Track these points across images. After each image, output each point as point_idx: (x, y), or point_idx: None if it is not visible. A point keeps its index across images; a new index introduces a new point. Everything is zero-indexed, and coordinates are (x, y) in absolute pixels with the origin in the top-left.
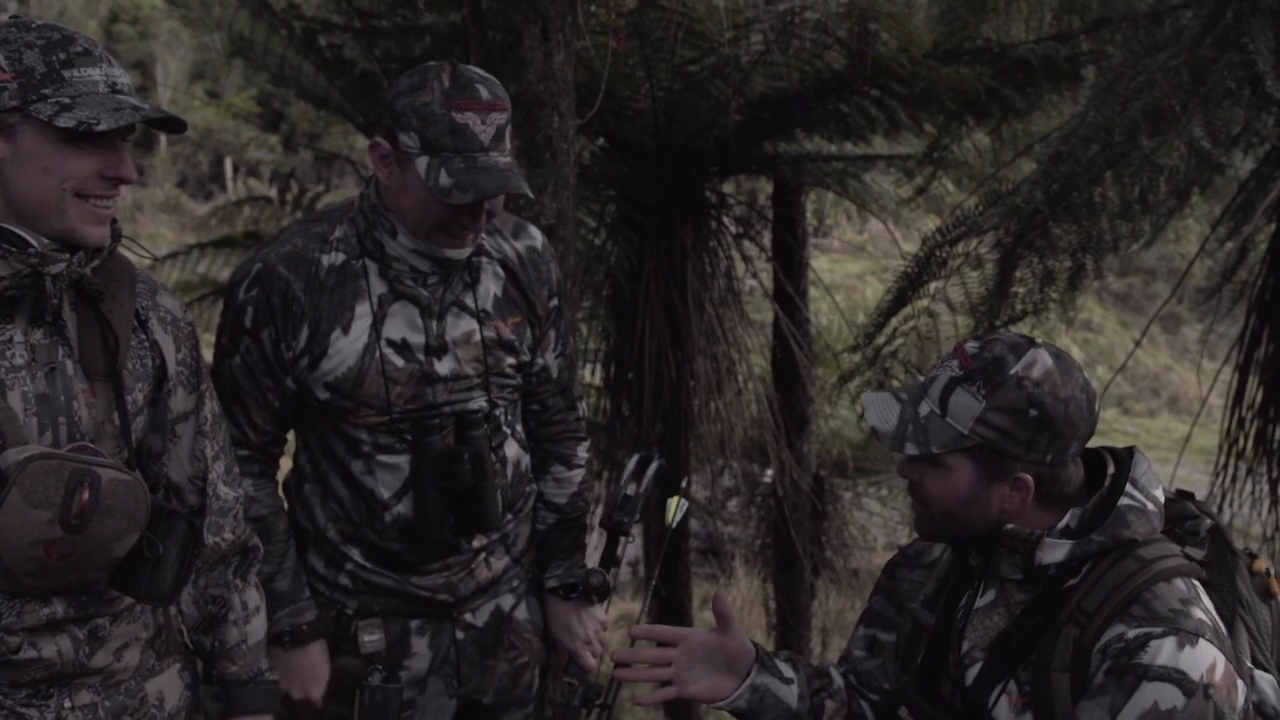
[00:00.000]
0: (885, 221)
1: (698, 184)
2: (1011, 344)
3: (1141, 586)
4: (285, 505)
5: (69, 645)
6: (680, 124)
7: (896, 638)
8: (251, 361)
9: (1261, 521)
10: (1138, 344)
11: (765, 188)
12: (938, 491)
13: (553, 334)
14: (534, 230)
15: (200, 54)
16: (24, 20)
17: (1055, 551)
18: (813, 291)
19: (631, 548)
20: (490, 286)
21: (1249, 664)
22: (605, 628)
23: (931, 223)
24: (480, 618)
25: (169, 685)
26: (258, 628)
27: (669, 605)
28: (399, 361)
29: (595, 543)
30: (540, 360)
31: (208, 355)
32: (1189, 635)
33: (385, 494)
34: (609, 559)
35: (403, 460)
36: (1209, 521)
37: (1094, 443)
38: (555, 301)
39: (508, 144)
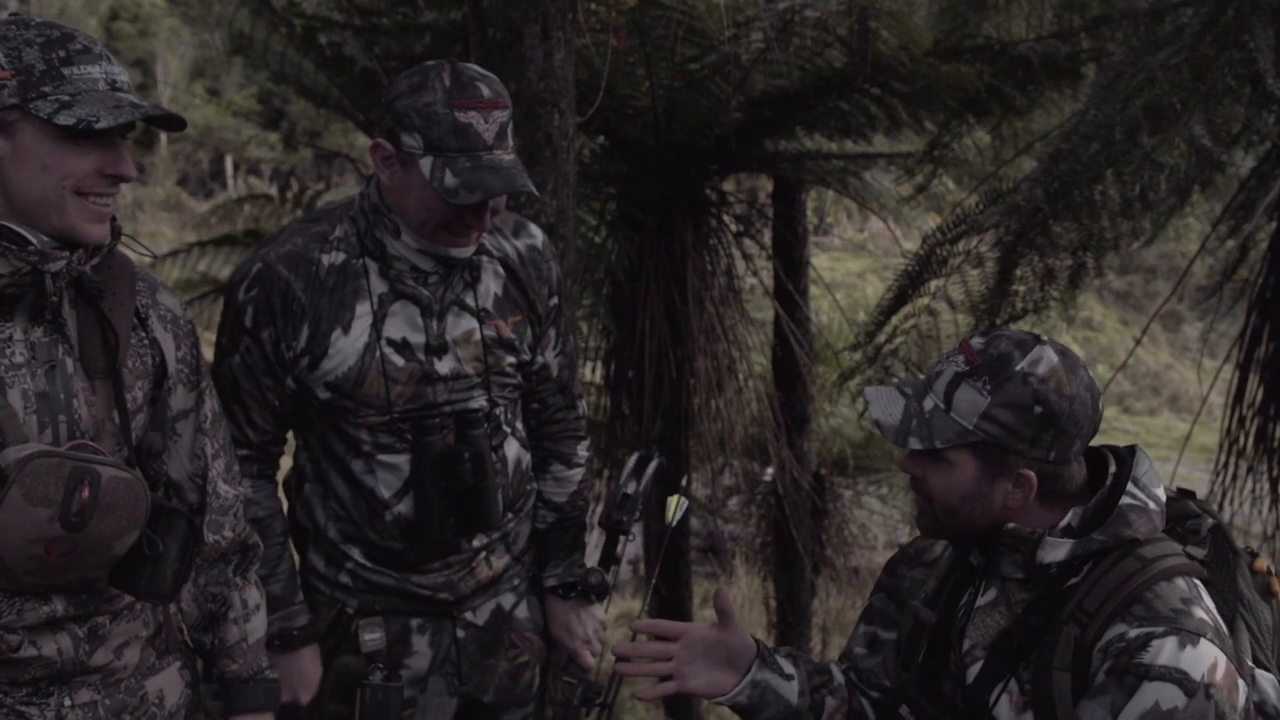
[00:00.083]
0: (886, 219)
1: (698, 182)
2: (1017, 340)
3: (1143, 586)
4: (284, 506)
5: (69, 643)
6: (680, 122)
7: (897, 635)
8: (251, 361)
9: (1262, 520)
10: (1138, 342)
11: (765, 186)
12: (940, 487)
13: (553, 332)
14: (534, 229)
15: (200, 52)
16: (23, 18)
17: (1056, 550)
18: (813, 289)
19: (632, 546)
20: (490, 285)
21: (1250, 663)
22: (605, 627)
23: (932, 221)
24: (481, 616)
25: (169, 683)
26: (258, 626)
27: (669, 603)
28: (399, 361)
29: (595, 541)
30: (540, 359)
31: (208, 354)
32: (1190, 635)
33: (386, 493)
34: (609, 558)
35: (403, 460)
36: (1210, 520)
37: (1094, 441)
38: (555, 300)
39: (510, 141)
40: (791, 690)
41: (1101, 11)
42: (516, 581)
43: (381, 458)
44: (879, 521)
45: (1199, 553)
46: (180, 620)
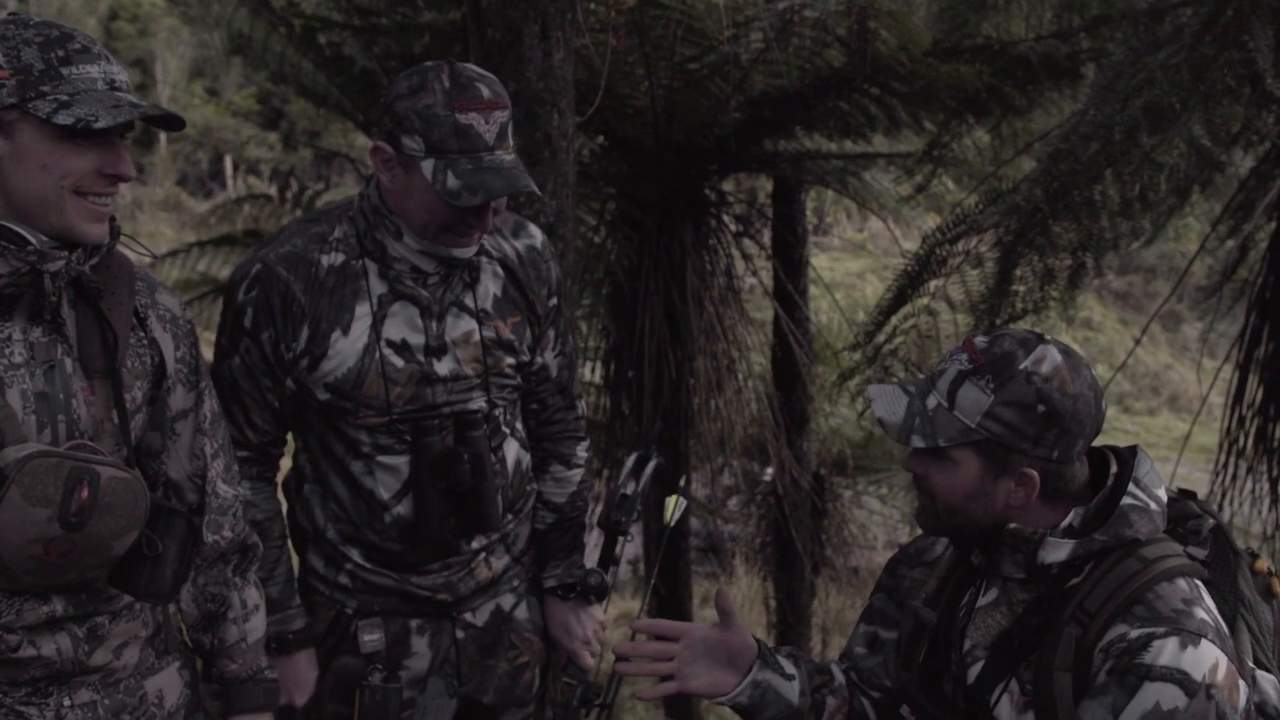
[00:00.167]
0: (885, 219)
1: (697, 182)
2: (1021, 339)
3: (1144, 586)
4: (283, 508)
5: (68, 643)
6: (680, 122)
7: (898, 635)
8: (251, 362)
9: (1262, 520)
10: (1138, 342)
11: (765, 186)
12: (943, 485)
13: (552, 333)
14: (534, 229)
15: (200, 52)
16: (22, 17)
17: (1058, 551)
18: (813, 289)
19: (632, 546)
20: (490, 286)
21: (1251, 664)
22: (604, 627)
23: (931, 221)
24: (480, 617)
25: (168, 683)
26: (257, 626)
27: (669, 603)
28: (399, 362)
29: (594, 541)
30: (540, 359)
31: (207, 354)
32: (1191, 635)
33: (385, 494)
34: (607, 558)
35: (402, 461)
36: (1211, 521)
37: (1095, 441)
38: (555, 300)
39: (511, 141)
40: (792, 690)
41: (1101, 11)
42: (516, 582)
43: (381, 459)
44: (879, 521)
45: (1200, 553)
46: (179, 620)
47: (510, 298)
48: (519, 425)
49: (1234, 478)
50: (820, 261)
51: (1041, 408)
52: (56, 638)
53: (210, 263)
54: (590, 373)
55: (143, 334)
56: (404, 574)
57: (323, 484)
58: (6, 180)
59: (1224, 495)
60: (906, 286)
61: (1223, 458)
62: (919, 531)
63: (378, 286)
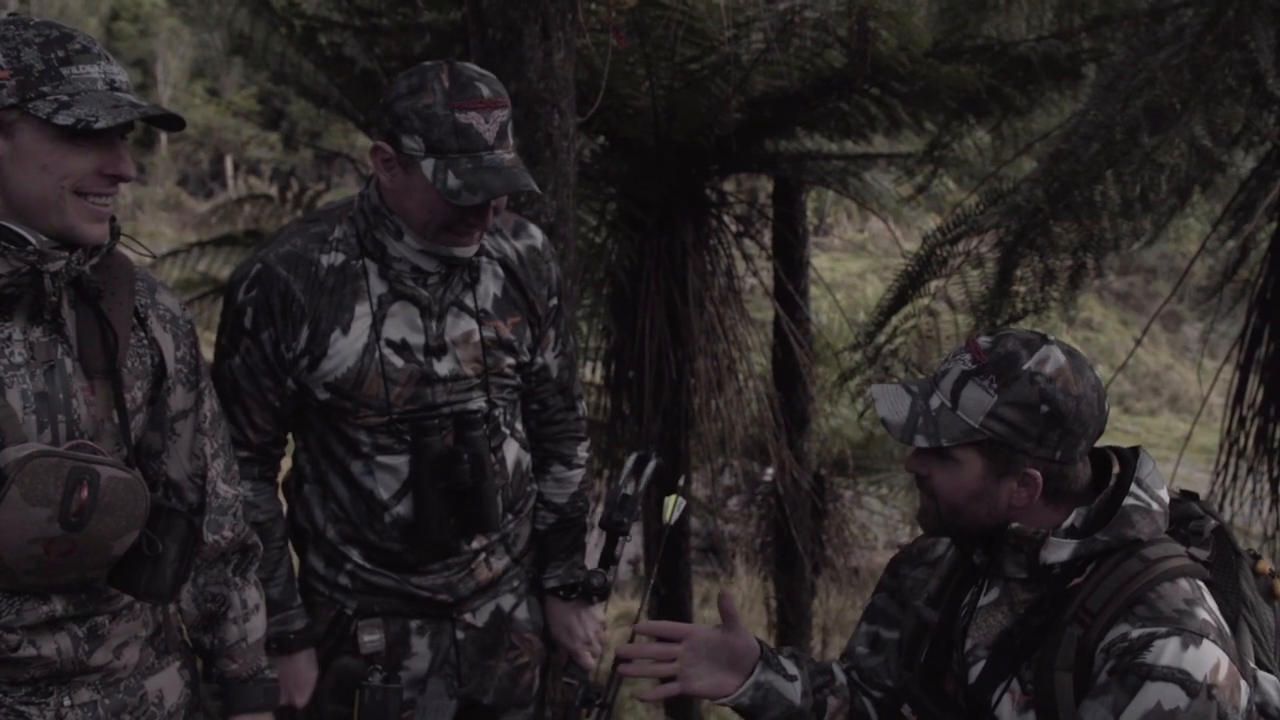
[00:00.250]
0: (886, 220)
1: (698, 182)
2: (1024, 339)
3: (1146, 586)
4: (284, 509)
5: (68, 643)
6: (681, 122)
7: (900, 635)
8: (251, 362)
9: (1262, 520)
10: (1138, 342)
11: (766, 186)
12: (946, 486)
13: (552, 333)
14: (534, 229)
15: (200, 52)
16: (22, 18)
17: (1060, 551)
18: (813, 290)
19: (632, 546)
20: (490, 286)
21: (1253, 665)
22: (605, 627)
23: (932, 221)
24: (480, 618)
25: (169, 683)
26: (257, 625)
27: (669, 603)
28: (398, 362)
29: (595, 541)
30: (540, 359)
31: (207, 353)
32: (1193, 635)
33: (385, 495)
34: (608, 558)
35: (402, 461)
36: (1213, 522)
37: (1097, 442)
38: (555, 301)
39: (511, 141)
40: (794, 691)
41: (1102, 11)
42: (516, 583)
43: (380, 459)
44: (879, 522)
45: (1202, 554)
46: (180, 620)
47: (510, 298)
48: (519, 426)
49: (1234, 478)
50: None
51: (1045, 408)
52: (56, 637)
53: (211, 263)
54: (591, 373)
55: (143, 334)
56: (404, 574)
57: (322, 484)
58: (7, 180)
59: (1224, 496)
60: (907, 287)
61: (1223, 458)
62: (920, 532)
63: (378, 286)
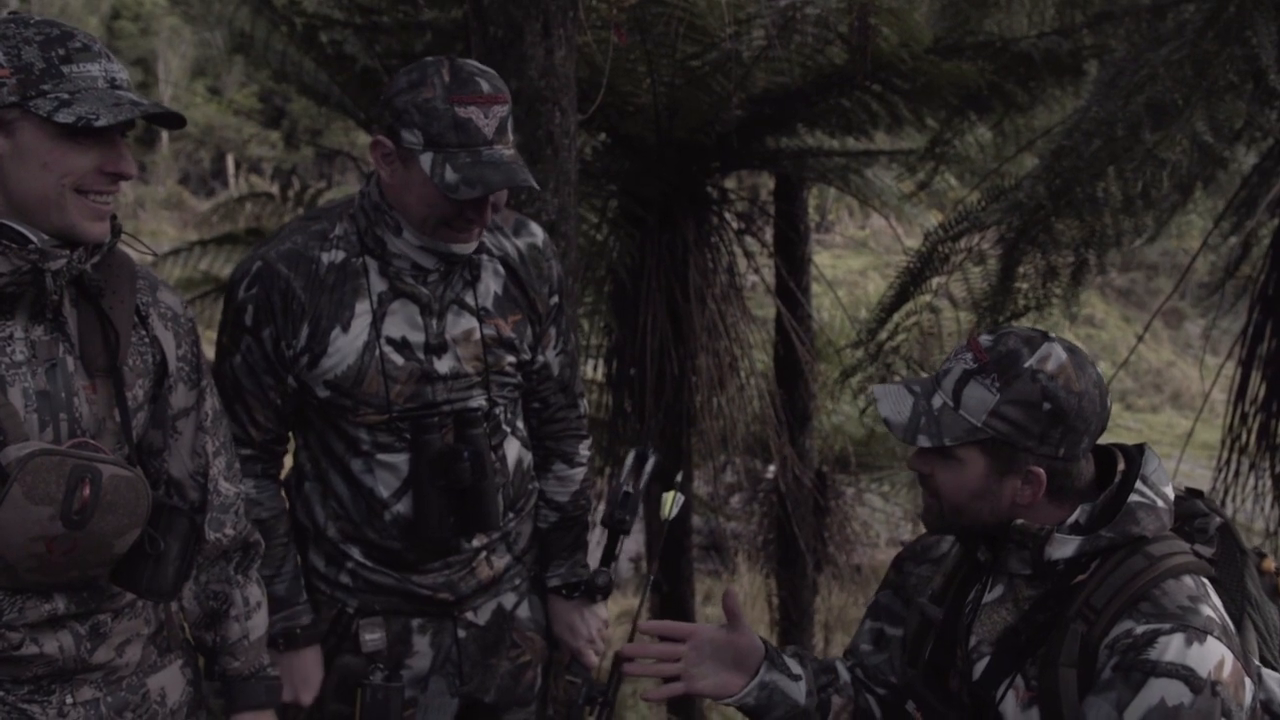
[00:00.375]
0: (887, 217)
1: (699, 179)
2: (1025, 337)
3: (1150, 583)
4: (286, 506)
5: (70, 641)
6: (682, 119)
7: (904, 632)
8: (253, 360)
9: (1265, 517)
10: (1140, 339)
11: (767, 183)
12: (949, 485)
13: (553, 331)
14: (535, 227)
15: (201, 50)
16: (23, 16)
17: (1064, 547)
18: (815, 287)
19: (634, 543)
20: (490, 284)
21: (1257, 662)
22: (607, 625)
23: (934, 218)
24: (482, 616)
25: (171, 681)
26: (259, 623)
27: (672, 601)
28: (399, 360)
29: (597, 539)
30: (541, 358)
31: (209, 352)
32: (1197, 632)
33: (385, 493)
34: (609, 556)
35: (402, 459)
36: (1218, 519)
37: (1100, 439)
38: (556, 299)
39: (510, 136)
40: (799, 690)
41: (1103, 8)
42: (518, 581)
43: (380, 457)
44: (881, 519)
45: (1207, 551)
46: (182, 618)
47: (511, 296)
48: (520, 424)
49: (1236, 474)
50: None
51: (1047, 406)
52: (59, 635)
53: (212, 261)
54: (592, 370)
55: (144, 332)
56: (405, 573)
57: (323, 482)
58: (7, 179)
59: (1226, 492)
60: (909, 284)
61: (1225, 454)
62: (922, 529)
63: (378, 284)
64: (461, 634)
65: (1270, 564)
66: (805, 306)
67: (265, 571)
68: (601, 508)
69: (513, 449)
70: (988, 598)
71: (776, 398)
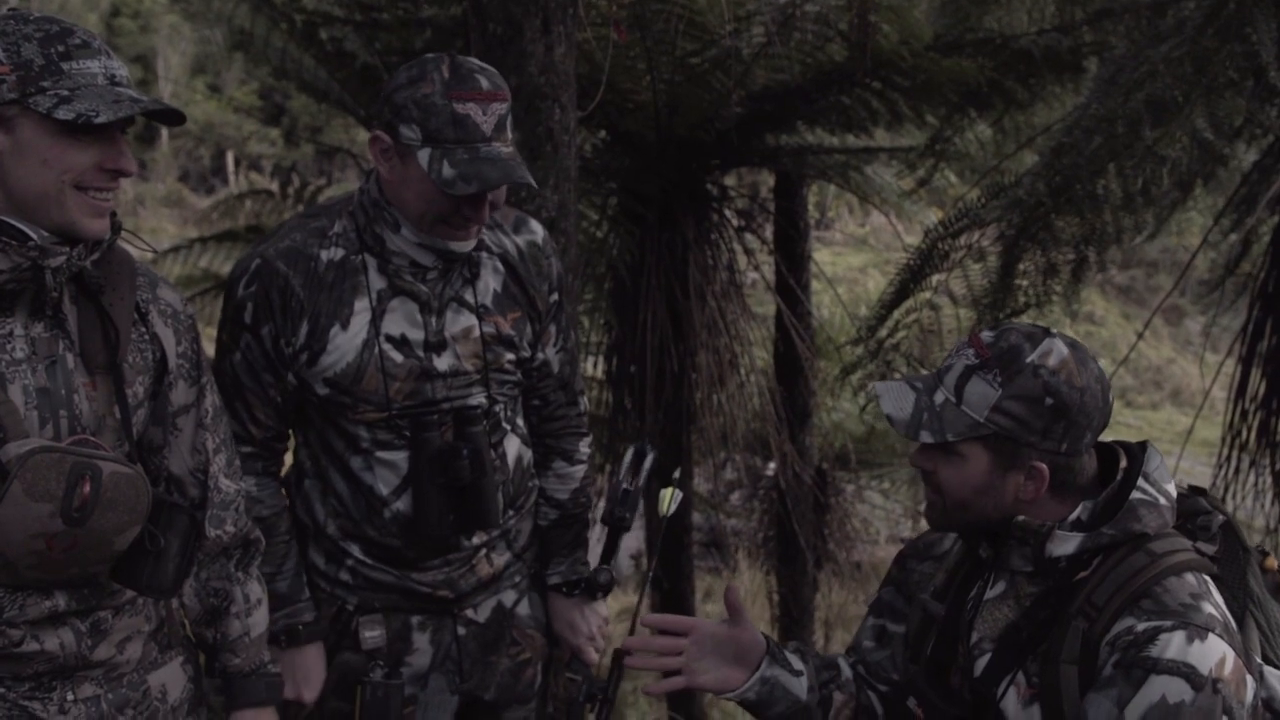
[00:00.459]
0: (887, 214)
1: (699, 176)
2: (1027, 333)
3: (1152, 580)
4: (287, 503)
5: (71, 638)
6: (682, 116)
7: (906, 629)
8: (252, 358)
9: (1265, 514)
10: (1140, 336)
11: (767, 180)
12: (952, 481)
13: (553, 329)
14: (535, 224)
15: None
16: (22, 13)
17: (1065, 544)
18: (815, 284)
19: (635, 540)
20: (490, 282)
21: (1259, 660)
22: (607, 622)
23: (934, 215)
24: (482, 614)
25: (171, 678)
26: (260, 620)
27: (671, 598)
28: (398, 357)
29: (597, 537)
30: (541, 355)
31: (209, 349)
32: (1199, 629)
33: (384, 490)
34: (609, 554)
35: (401, 457)
36: (1221, 517)
37: (1101, 436)
38: (556, 296)
39: (509, 134)
40: (800, 686)
41: (1103, 4)
42: (518, 579)
43: (380, 454)
44: (881, 516)
45: (1209, 549)
46: (182, 615)
47: (510, 293)
48: (520, 421)
49: (1236, 472)
50: (822, 256)
51: (1049, 400)
52: (59, 632)
53: (212, 258)
54: (592, 368)
55: (144, 329)
56: (404, 570)
57: (322, 479)
58: (7, 175)
59: (1227, 489)
60: (909, 281)
61: (1225, 452)
62: (922, 526)
63: (377, 282)
64: (461, 631)
65: (1273, 562)
66: (805, 303)
67: (267, 569)
68: (602, 505)
69: (512, 446)
70: (989, 594)
71: (776, 395)
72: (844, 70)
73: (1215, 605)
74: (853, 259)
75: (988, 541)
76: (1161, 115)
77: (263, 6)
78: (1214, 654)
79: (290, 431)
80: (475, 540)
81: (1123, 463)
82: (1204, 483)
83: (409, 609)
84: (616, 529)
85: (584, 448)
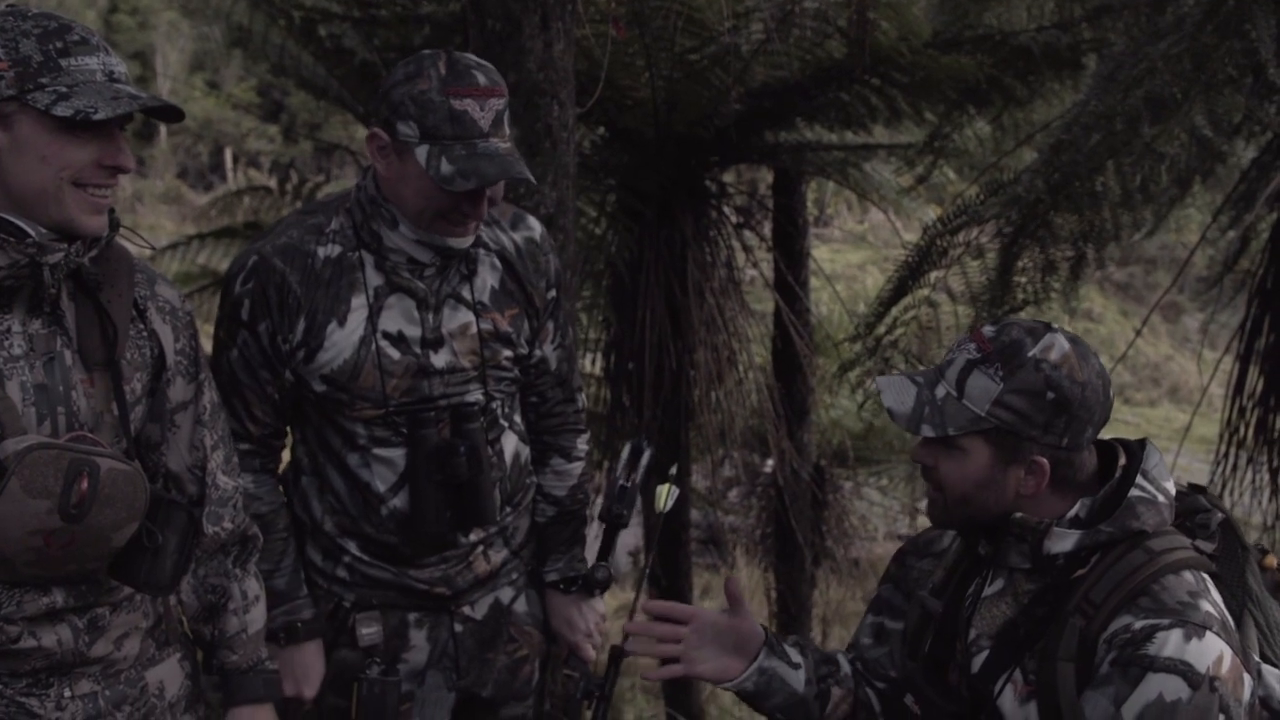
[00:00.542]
0: (886, 211)
1: (698, 173)
2: (1029, 328)
3: (1149, 578)
4: (285, 500)
5: (69, 634)
6: (680, 113)
7: (904, 625)
8: (249, 354)
9: (1262, 510)
10: (1138, 333)
11: (766, 177)
12: (953, 475)
13: (551, 325)
14: (532, 221)
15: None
16: (20, 9)
17: (1063, 541)
18: (813, 281)
19: (633, 537)
20: (487, 278)
21: (1257, 658)
22: (605, 619)
23: (932, 212)
24: (479, 610)
25: (169, 674)
26: (257, 617)
27: (669, 595)
28: (395, 354)
29: (594, 533)
30: (538, 352)
31: (207, 345)
32: (1196, 627)
33: (381, 487)
34: (607, 551)
35: (398, 453)
36: (1220, 515)
37: (1101, 434)
38: (553, 293)
39: (507, 129)
40: (798, 679)
41: (1102, 1)
42: (515, 576)
43: (377, 451)
44: (879, 513)
45: (1208, 547)
46: (180, 611)
47: (508, 290)
48: (517, 418)
49: (1234, 468)
50: (821, 253)
51: (1051, 394)
52: (57, 629)
53: (210, 255)
54: (590, 365)
55: (142, 326)
56: (401, 567)
57: (320, 476)
58: (5, 172)
59: (1224, 486)
60: (907, 278)
61: (1223, 448)
62: (919, 523)
63: (374, 278)
64: (458, 628)
65: (1272, 560)
66: (804, 301)
67: (265, 566)
68: (599, 502)
69: (510, 443)
70: (988, 591)
71: (775, 392)
72: (843, 67)
73: (1213, 603)
74: (851, 256)
75: (986, 538)
76: (1160, 112)
77: (261, 3)
78: (1211, 652)
79: (288, 428)
80: (472, 537)
81: (1121, 460)
82: (1201, 479)
83: (406, 606)
84: (614, 526)
85: (582, 444)
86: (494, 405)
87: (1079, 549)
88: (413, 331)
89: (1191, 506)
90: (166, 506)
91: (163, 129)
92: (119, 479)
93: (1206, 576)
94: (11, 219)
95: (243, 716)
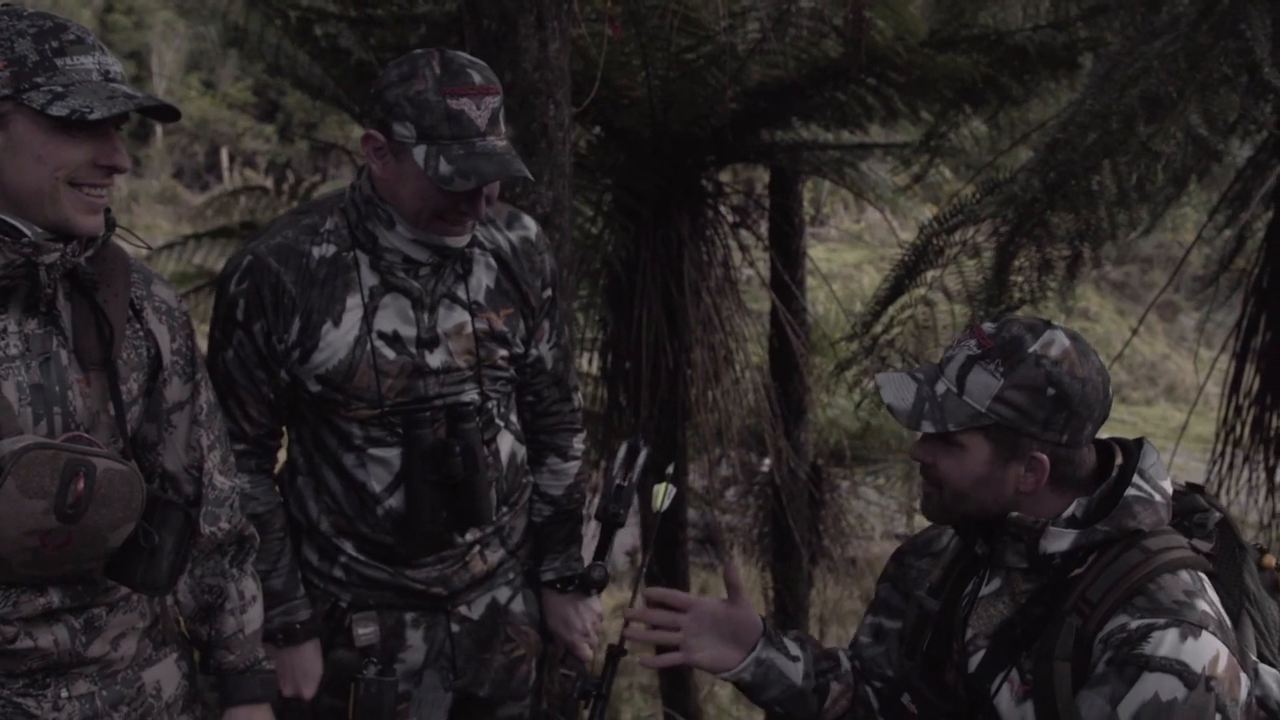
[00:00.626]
0: (882, 210)
1: (694, 173)
2: (1029, 324)
3: (1146, 577)
4: (282, 500)
5: (65, 635)
6: (677, 112)
7: (902, 625)
8: (245, 355)
9: (1259, 509)
10: (1135, 332)
11: (762, 176)
12: (953, 472)
13: (547, 325)
14: (528, 220)
15: (195, 44)
16: (15, 8)
17: (1060, 541)
18: (810, 280)
19: (630, 536)
20: (483, 278)
21: (1253, 658)
22: (602, 619)
23: (929, 211)
24: (476, 610)
25: (166, 675)
26: (254, 617)
27: None
28: (390, 354)
29: (591, 533)
30: (534, 351)
31: (203, 345)
32: (1192, 627)
33: (377, 487)
34: (604, 550)
35: (394, 453)
36: (1218, 514)
37: (1098, 433)
38: (549, 292)
39: (503, 127)
40: (796, 671)
41: (1098, 0)
42: (512, 575)
43: (372, 451)
44: (876, 512)
45: (1205, 546)
46: (177, 612)
47: (503, 289)
48: (513, 418)
49: (1231, 467)
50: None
51: (1051, 390)
52: (54, 629)
53: (206, 255)
54: (587, 364)
55: (138, 326)
56: (398, 567)
57: (315, 476)
58: (1, 172)
59: (1221, 485)
60: (903, 277)
61: (1219, 447)
62: (916, 521)
63: (369, 278)
64: (455, 628)
65: (1270, 560)
66: (800, 300)
67: (261, 566)
68: (596, 501)
69: (506, 443)
70: (985, 591)
71: (771, 391)
72: (839, 66)
73: (1209, 603)
74: (848, 255)
75: (983, 538)
76: (1156, 111)
77: (257, 3)
78: (1207, 652)
79: (284, 428)
80: (468, 537)
81: (1118, 459)
82: (1198, 478)
83: (402, 606)
84: (610, 525)
85: (578, 444)
86: (490, 405)
87: (1075, 548)
88: (408, 331)
89: (1189, 506)
90: (163, 506)
91: (158, 129)
92: (115, 479)
93: (1203, 576)
94: (7, 219)
95: (240, 716)
